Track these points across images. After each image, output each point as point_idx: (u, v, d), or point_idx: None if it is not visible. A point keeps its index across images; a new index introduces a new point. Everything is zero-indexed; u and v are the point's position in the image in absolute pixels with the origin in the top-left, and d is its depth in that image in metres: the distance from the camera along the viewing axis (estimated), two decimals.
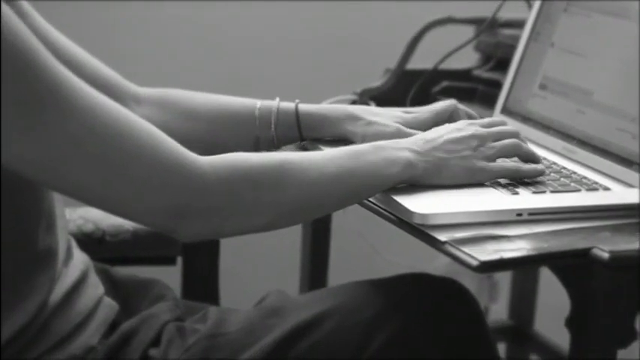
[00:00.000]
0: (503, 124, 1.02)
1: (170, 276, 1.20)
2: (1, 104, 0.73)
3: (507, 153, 0.98)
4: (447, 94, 1.41)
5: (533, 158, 1.00)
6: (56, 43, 1.00)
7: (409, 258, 1.45)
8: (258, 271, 1.90)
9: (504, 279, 1.80)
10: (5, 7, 0.74)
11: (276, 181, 0.86)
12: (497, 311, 1.82)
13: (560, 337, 1.71)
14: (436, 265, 1.74)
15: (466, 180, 0.96)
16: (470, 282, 1.68)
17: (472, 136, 0.97)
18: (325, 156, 0.90)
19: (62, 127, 0.76)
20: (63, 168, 0.77)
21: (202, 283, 1.30)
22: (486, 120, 1.02)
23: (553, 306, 1.78)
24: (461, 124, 1.00)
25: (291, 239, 1.47)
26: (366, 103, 1.35)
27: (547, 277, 1.76)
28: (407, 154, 0.92)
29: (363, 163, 0.90)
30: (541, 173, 0.99)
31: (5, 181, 0.83)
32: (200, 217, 0.83)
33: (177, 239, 0.86)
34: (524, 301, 1.73)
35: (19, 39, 0.74)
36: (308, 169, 0.87)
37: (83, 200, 0.81)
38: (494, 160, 0.97)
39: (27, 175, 0.78)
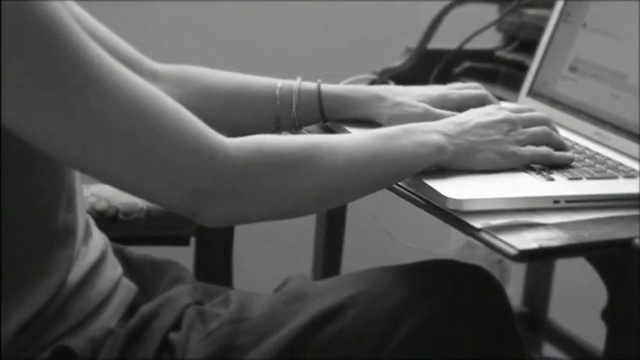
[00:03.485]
0: (532, 111, 1.01)
1: (183, 256, 1.18)
2: (27, 79, 0.72)
3: (538, 140, 0.97)
4: (468, 75, 1.38)
5: (563, 147, 0.99)
6: (78, 16, 0.97)
7: (421, 243, 1.43)
8: (271, 254, 1.89)
9: (518, 265, 1.78)
10: None
11: (303, 165, 0.84)
12: (509, 296, 1.81)
13: (575, 325, 1.69)
14: (447, 250, 1.73)
15: (497, 165, 0.94)
16: None
17: (503, 121, 0.95)
18: (353, 140, 0.88)
19: (88, 105, 0.74)
20: (88, 146, 0.76)
21: (215, 265, 1.28)
22: (515, 106, 1.01)
23: (568, 293, 1.77)
24: (491, 108, 0.99)
25: (305, 221, 1.45)
26: (386, 83, 1.33)
27: (562, 264, 1.76)
28: (437, 137, 0.91)
29: (392, 147, 0.88)
30: (571, 161, 0.98)
31: (27, 156, 0.80)
32: (224, 201, 0.81)
33: (201, 224, 0.84)
34: (538, 287, 1.71)
35: (50, 12, 0.72)
36: (336, 153, 0.85)
37: (106, 180, 0.79)
38: (524, 146, 0.96)
39: (51, 152, 0.77)
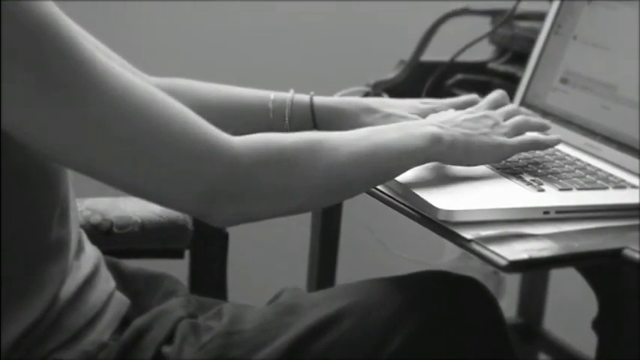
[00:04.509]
0: (503, 102, 1.06)
1: (177, 269, 1.18)
2: (29, 83, 0.72)
3: (520, 129, 1.00)
4: (461, 86, 1.39)
5: (544, 128, 1.03)
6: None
7: (416, 254, 1.44)
8: (266, 265, 1.89)
9: (513, 275, 1.78)
10: None
11: (309, 162, 0.85)
12: (504, 308, 1.80)
13: (570, 336, 1.69)
14: (441, 261, 1.73)
15: (492, 156, 0.96)
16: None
17: (485, 116, 0.98)
18: (354, 135, 0.90)
19: (87, 109, 0.74)
20: (90, 151, 0.76)
21: (210, 277, 1.28)
22: (485, 102, 1.06)
23: (563, 303, 1.77)
24: (468, 109, 1.03)
25: (300, 233, 1.45)
26: (379, 95, 1.33)
27: (557, 274, 1.76)
28: (433, 128, 0.93)
29: (390, 140, 0.90)
30: (559, 142, 1.01)
31: (21, 171, 0.81)
32: (233, 200, 0.81)
33: (211, 223, 0.85)
34: (533, 298, 1.72)
35: (50, 17, 0.73)
36: (338, 148, 0.86)
37: (114, 185, 0.79)
38: (511, 137, 0.98)
39: (52, 157, 0.77)
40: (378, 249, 1.47)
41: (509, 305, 1.79)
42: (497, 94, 1.10)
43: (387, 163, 0.90)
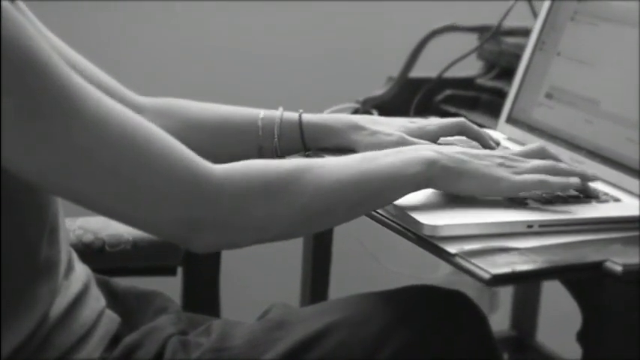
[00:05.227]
0: (541, 153, 0.96)
1: (170, 286, 1.19)
2: (10, 113, 0.72)
3: (540, 172, 0.92)
4: (450, 102, 1.40)
5: (585, 179, 0.95)
6: (59, 50, 0.99)
7: (410, 268, 1.44)
8: (259, 281, 1.89)
9: (505, 288, 1.79)
10: (16, 13, 0.72)
11: (291, 189, 0.84)
12: (497, 321, 1.81)
13: (563, 348, 1.70)
14: (436, 275, 1.74)
15: (486, 189, 0.90)
16: (469, 292, 1.67)
17: (499, 156, 0.92)
18: (341, 162, 0.88)
19: (71, 137, 0.75)
20: (75, 179, 0.76)
21: (203, 294, 1.29)
22: (519, 149, 0.97)
23: (555, 316, 1.78)
24: (491, 151, 0.95)
25: (292, 249, 1.46)
26: (369, 112, 1.35)
27: (549, 287, 1.76)
28: (427, 153, 0.89)
29: (380, 166, 0.88)
30: (571, 187, 0.94)
31: (9, 190, 0.81)
32: (215, 228, 0.81)
33: (192, 251, 0.85)
34: (526, 311, 1.72)
35: (30, 45, 0.73)
36: (323, 175, 0.85)
37: (98, 211, 0.80)
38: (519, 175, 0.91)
39: (39, 185, 0.77)
40: (370, 263, 1.47)
41: (503, 319, 1.80)
42: (454, 120, 1.06)
43: (376, 190, 0.88)
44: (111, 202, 0.78)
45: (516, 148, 1.00)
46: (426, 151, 0.90)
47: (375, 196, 0.89)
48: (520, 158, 0.94)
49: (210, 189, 0.80)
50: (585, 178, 0.96)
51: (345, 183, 0.86)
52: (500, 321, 1.80)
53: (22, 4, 0.92)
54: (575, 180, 0.94)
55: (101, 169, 0.76)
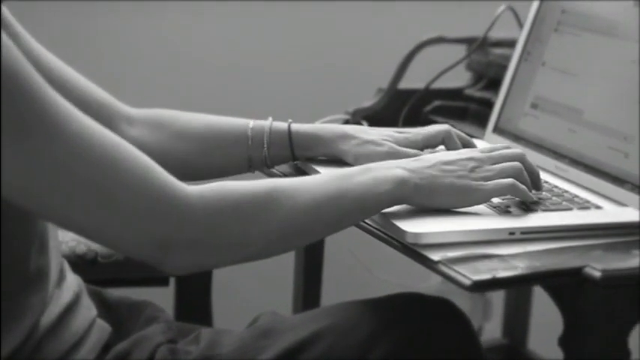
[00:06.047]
0: (506, 148, 0.99)
1: (163, 297, 1.20)
2: None
3: (507, 176, 0.95)
4: (438, 113, 1.42)
5: (535, 185, 0.99)
6: (48, 64, 1.00)
7: (401, 277, 1.45)
8: (251, 290, 1.90)
9: (498, 297, 1.80)
10: (5, 35, 0.73)
11: (264, 209, 0.85)
12: (491, 330, 1.82)
13: (553, 355, 1.71)
14: (429, 284, 1.75)
15: (459, 201, 0.94)
16: (463, 301, 1.68)
17: (469, 159, 0.95)
18: (314, 181, 0.89)
19: (48, 154, 0.75)
20: (48, 196, 0.76)
21: (195, 304, 1.30)
22: (488, 146, 1.00)
23: (547, 324, 1.78)
24: (461, 150, 0.98)
25: (284, 258, 1.47)
26: (359, 123, 1.36)
27: (540, 295, 1.77)
28: (398, 172, 0.91)
29: (353, 185, 0.89)
30: (531, 200, 0.97)
31: None
32: (188, 249, 0.81)
33: (165, 272, 0.85)
34: (517, 319, 1.73)
35: (9, 62, 0.73)
36: (296, 195, 0.86)
37: (70, 229, 0.80)
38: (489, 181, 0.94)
39: (16, 201, 0.77)
40: (362, 271, 1.48)
41: (496, 327, 1.81)
42: (438, 127, 1.08)
43: (348, 209, 0.89)
44: (85, 220, 0.78)
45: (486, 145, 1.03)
46: (396, 169, 0.91)
47: (349, 214, 0.90)
48: (487, 157, 0.96)
49: (184, 209, 0.80)
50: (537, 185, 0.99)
51: (320, 201, 0.87)
52: (493, 330, 1.81)
53: (4, 9, 0.93)
54: (533, 197, 0.97)
55: (76, 186, 0.77)
